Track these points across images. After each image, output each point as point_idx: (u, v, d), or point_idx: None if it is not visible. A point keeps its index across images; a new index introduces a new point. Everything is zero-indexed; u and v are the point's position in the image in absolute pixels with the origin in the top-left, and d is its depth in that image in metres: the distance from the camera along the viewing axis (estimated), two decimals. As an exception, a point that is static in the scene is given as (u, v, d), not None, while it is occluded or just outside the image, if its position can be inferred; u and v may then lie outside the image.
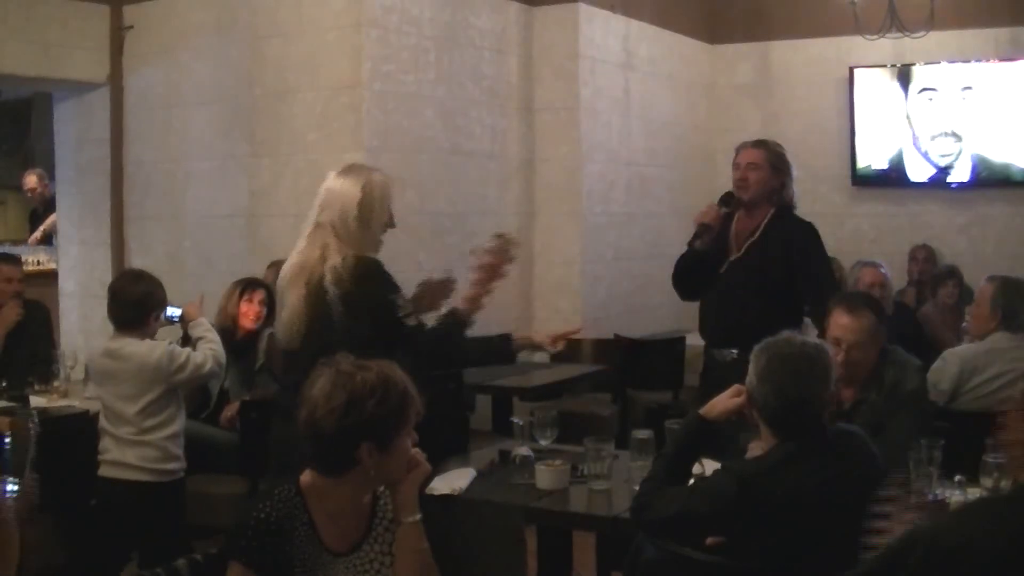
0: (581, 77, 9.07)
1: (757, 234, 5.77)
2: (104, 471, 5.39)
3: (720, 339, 5.80)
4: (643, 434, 4.75)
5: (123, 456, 5.33)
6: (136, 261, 8.60)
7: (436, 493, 4.41)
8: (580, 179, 9.08)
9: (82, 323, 8.72)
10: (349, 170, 4.77)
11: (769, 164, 5.81)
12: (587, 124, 9.14)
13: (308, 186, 7.48)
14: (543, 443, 4.90)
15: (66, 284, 9.21)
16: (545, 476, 4.51)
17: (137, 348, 5.36)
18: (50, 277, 9.50)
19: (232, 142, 8.19)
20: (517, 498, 4.47)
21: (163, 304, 5.52)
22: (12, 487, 2.58)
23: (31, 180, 11.17)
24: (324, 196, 4.68)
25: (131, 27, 8.74)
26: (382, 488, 3.18)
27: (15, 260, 7.48)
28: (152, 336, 5.47)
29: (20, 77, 8.60)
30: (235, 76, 8.13)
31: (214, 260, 8.12)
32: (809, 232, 5.86)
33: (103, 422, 5.44)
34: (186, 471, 5.51)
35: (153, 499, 5.32)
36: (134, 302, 5.42)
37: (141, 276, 5.62)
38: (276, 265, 5.93)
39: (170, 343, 5.54)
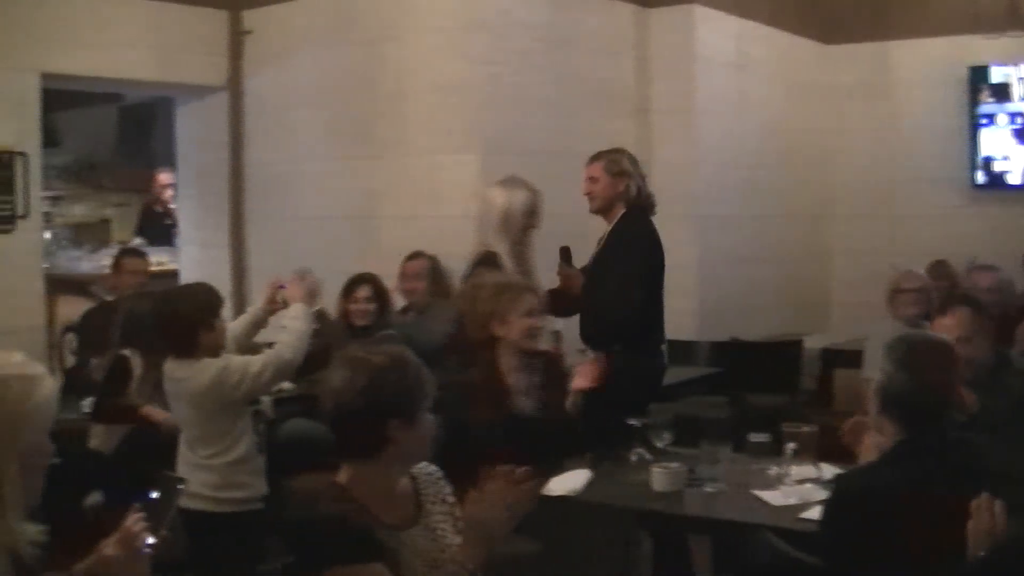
0: (695, 79, 9.02)
1: (606, 236, 6.21)
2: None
3: (590, 338, 6.06)
4: (759, 437, 4.74)
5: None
6: (254, 262, 8.75)
7: (552, 494, 4.43)
8: (694, 181, 9.03)
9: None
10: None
11: (607, 173, 6.19)
12: (701, 126, 9.09)
13: (423, 188, 7.57)
14: (659, 445, 4.89)
15: (186, 284, 9.38)
16: (660, 478, 4.50)
17: (188, 371, 4.93)
18: (171, 277, 9.68)
19: (348, 144, 8.27)
20: (632, 500, 4.47)
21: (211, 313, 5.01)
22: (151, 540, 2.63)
23: (164, 178, 11.32)
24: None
25: (250, 31, 8.87)
26: (418, 468, 3.32)
27: (142, 255, 7.78)
28: (215, 348, 5.00)
29: (142, 82, 8.77)
30: (351, 79, 8.22)
31: (331, 261, 8.18)
32: (638, 236, 6.16)
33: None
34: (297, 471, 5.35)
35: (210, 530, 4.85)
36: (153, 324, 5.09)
37: (167, 297, 5.24)
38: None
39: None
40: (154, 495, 2.71)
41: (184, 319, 4.91)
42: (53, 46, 7.87)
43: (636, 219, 6.20)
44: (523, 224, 6.27)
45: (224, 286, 8.71)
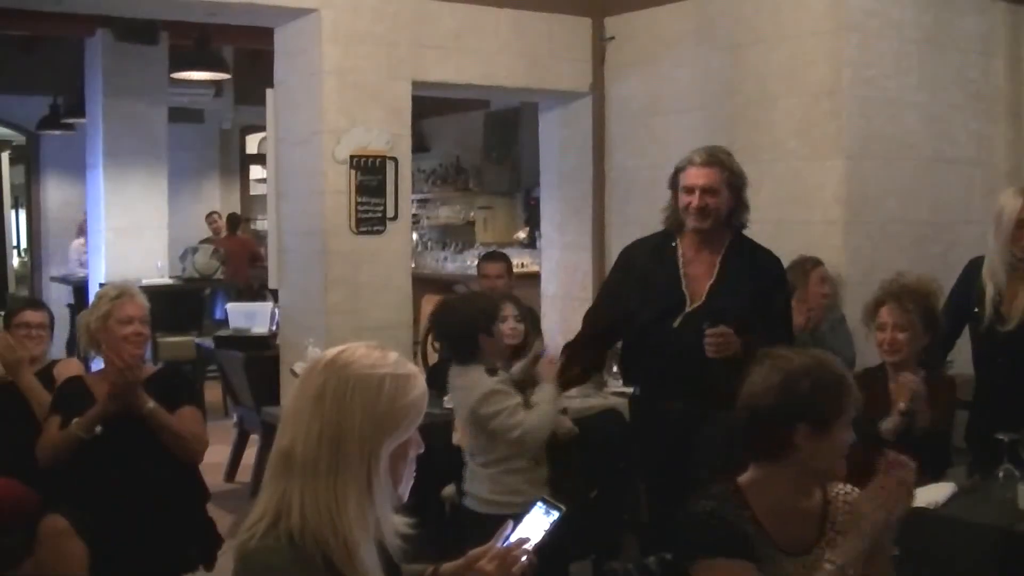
0: (1077, 79, 8.56)
1: (715, 274, 5.13)
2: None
3: (672, 393, 5.08)
4: None
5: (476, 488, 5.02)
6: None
7: (913, 505, 4.32)
8: (1074, 188, 8.57)
9: (562, 324, 9.01)
10: None
11: (728, 186, 5.16)
12: (1083, 129, 8.62)
13: (789, 192, 7.48)
14: (1028, 461, 4.70)
15: (548, 286, 9.57)
16: (1029, 497, 4.33)
17: (465, 380, 4.99)
18: (534, 279, 9.91)
19: (711, 149, 8.25)
20: (996, 518, 4.31)
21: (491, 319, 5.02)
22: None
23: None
24: None
25: (612, 38, 9.00)
26: (834, 492, 3.18)
27: (498, 258, 8.01)
28: (497, 354, 5.04)
29: (509, 88, 9.00)
30: (715, 84, 8.20)
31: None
32: (775, 268, 5.34)
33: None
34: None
35: None
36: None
37: (446, 304, 5.27)
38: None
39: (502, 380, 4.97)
40: (530, 515, 2.74)
41: (464, 325, 4.97)
42: (424, 55, 8.22)
43: (759, 248, 5.34)
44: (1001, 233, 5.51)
45: (586, 290, 8.90)
